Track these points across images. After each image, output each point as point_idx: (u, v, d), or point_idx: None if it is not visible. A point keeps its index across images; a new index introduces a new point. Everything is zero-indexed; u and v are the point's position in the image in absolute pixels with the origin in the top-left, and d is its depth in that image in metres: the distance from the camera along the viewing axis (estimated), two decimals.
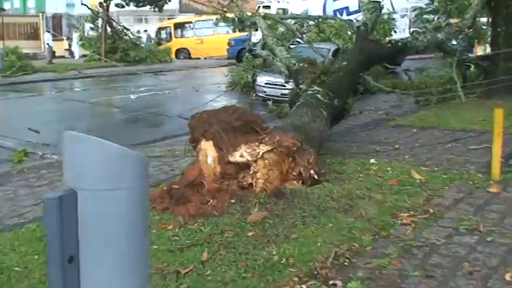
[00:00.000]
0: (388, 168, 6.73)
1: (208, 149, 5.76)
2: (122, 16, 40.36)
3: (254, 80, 16.54)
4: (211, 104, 14.15)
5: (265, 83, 15.50)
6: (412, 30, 22.04)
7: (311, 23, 18.34)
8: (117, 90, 18.93)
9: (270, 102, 13.31)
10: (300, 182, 5.90)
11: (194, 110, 13.39)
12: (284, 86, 14.53)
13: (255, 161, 5.73)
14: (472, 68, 14.69)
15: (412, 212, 5.20)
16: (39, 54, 32.89)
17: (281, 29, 17.51)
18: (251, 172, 5.73)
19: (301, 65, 9.81)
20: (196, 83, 20.06)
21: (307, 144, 6.34)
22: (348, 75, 9.00)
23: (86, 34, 32.57)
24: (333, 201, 5.35)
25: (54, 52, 31.03)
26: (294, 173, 5.86)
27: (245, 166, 5.75)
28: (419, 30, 12.23)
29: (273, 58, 12.44)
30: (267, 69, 15.98)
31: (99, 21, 30.00)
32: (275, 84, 15.06)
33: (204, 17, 34.39)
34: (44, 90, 19.11)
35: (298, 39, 16.91)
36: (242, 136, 5.91)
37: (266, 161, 5.78)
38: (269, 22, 14.97)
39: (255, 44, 17.78)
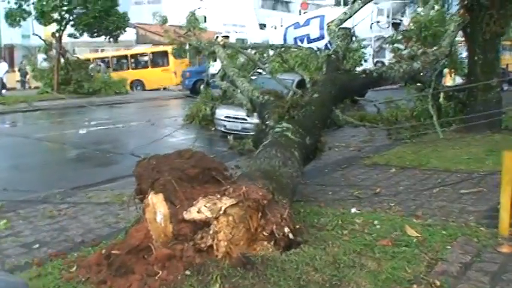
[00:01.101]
0: (376, 222, 5.65)
1: (157, 204, 4.57)
2: (77, 47, 39.09)
3: (213, 113, 15.43)
4: (167, 140, 13.02)
5: (225, 117, 14.42)
6: (375, 60, 21.41)
7: (272, 52, 17.46)
8: (67, 124, 17.56)
9: (230, 138, 12.19)
10: (272, 243, 4.75)
11: (149, 146, 12.31)
12: (245, 119, 13.52)
13: (216, 218, 4.57)
14: (442, 99, 13.92)
15: (415, 287, 4.10)
16: None
17: (241, 59, 16.57)
18: (211, 232, 4.56)
19: (266, 97, 8.76)
20: (152, 116, 18.83)
21: (279, 194, 5.22)
22: (320, 108, 7.97)
23: (38, 65, 31.09)
24: (316, 273, 4.20)
25: (4, 84, 29.35)
26: (265, 233, 4.70)
27: (204, 224, 4.58)
28: (393, 60, 11.37)
29: (234, 90, 11.41)
30: (227, 101, 14.93)
31: (53, 52, 28.55)
32: (236, 118, 14.00)
33: (161, 47, 33.36)
34: None
35: (259, 70, 15.97)
36: (200, 187, 4.76)
37: (230, 218, 4.62)
38: (228, 52, 14.00)
39: (213, 75, 16.78)
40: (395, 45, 13.86)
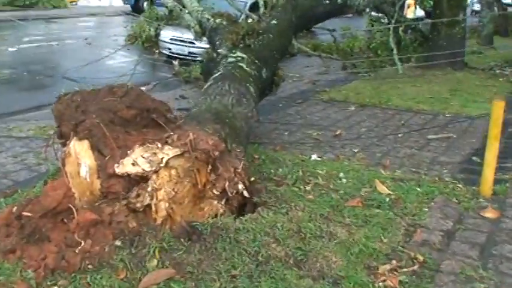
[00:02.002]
0: (341, 174, 4.91)
1: (81, 154, 3.65)
2: None
3: (157, 35, 14.22)
4: (105, 62, 11.84)
5: (171, 39, 13.30)
6: None
7: None
8: None
9: (175, 62, 11.16)
10: (223, 201, 3.95)
11: (84, 69, 11.14)
12: (193, 43, 12.45)
13: (156, 172, 3.71)
14: (401, 32, 13.17)
15: (395, 263, 3.40)
16: None
17: None
18: (149, 189, 3.71)
19: (218, 21, 7.72)
20: (90, 34, 17.33)
21: (232, 141, 4.37)
22: (279, 37, 7.04)
23: None
24: (278, 245, 3.43)
25: None
26: (215, 191, 3.88)
27: (140, 180, 3.72)
28: None
29: (181, 10, 10.25)
30: (173, 22, 13.73)
31: None
32: (182, 41, 12.92)
33: None
34: None
35: None
36: (136, 133, 3.84)
37: (173, 172, 3.77)
38: None
39: None
40: None
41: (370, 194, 4.47)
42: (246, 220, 3.67)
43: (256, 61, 6.32)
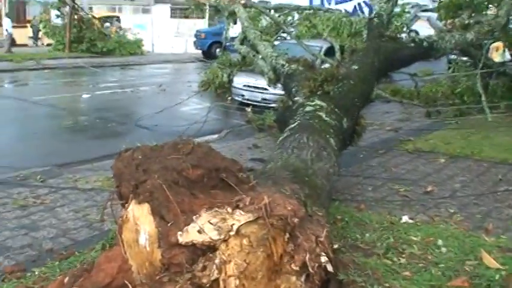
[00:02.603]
0: (439, 242, 4.21)
1: (141, 219, 3.17)
2: (93, 5, 37.46)
3: (230, 81, 13.96)
4: (179, 109, 11.62)
5: (244, 85, 12.97)
6: (408, 30, 19.66)
7: (298, 15, 15.79)
8: (71, 86, 16.13)
9: (248, 109, 10.75)
10: (303, 278, 3.34)
11: (157, 116, 10.93)
12: (266, 89, 12.06)
13: (225, 241, 3.18)
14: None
15: None
16: (0, 41, 29.66)
17: (264, 21, 15.03)
18: (217, 260, 3.16)
19: (293, 67, 7.26)
20: (164, 81, 17.37)
21: (313, 203, 3.80)
22: (360, 83, 6.45)
23: (51, 22, 29.61)
24: None
25: (14, 40, 27.97)
26: (294, 265, 3.29)
27: (207, 249, 3.19)
28: (444, 29, 9.74)
29: (254, 56, 9.91)
30: (247, 68, 13.45)
31: (66, 9, 27.09)
32: (255, 87, 12.57)
33: None
34: None
35: (283, 34, 14.42)
36: (203, 195, 3.33)
37: (245, 241, 3.22)
38: (250, 13, 12.44)
39: (232, 39, 15.25)
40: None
41: (476, 269, 3.75)
42: None
43: (336, 110, 5.76)
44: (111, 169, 3.63)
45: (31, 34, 33.33)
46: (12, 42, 27.14)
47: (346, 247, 3.98)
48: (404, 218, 4.90)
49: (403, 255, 3.93)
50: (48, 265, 3.91)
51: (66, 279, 3.30)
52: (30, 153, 8.09)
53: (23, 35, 31.88)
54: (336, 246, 3.73)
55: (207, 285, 3.15)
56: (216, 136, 9.44)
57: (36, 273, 3.77)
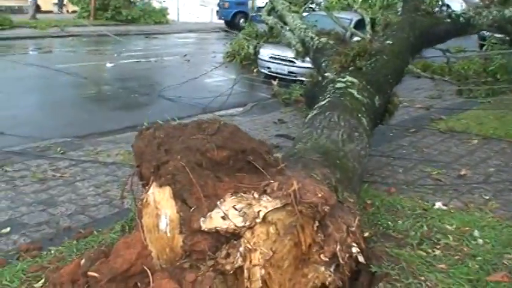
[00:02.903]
0: (475, 232, 3.96)
1: (162, 203, 2.98)
2: None
3: (256, 52, 13.66)
4: (202, 80, 11.40)
5: (270, 57, 12.66)
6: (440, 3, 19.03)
7: None
8: (95, 55, 15.95)
9: (275, 82, 10.48)
10: (333, 268, 3.14)
11: (181, 87, 10.73)
12: (293, 62, 11.77)
13: (251, 228, 2.98)
14: None
15: None
16: (25, 8, 29.53)
17: None
18: (242, 248, 2.97)
19: (323, 40, 6.96)
20: (189, 51, 17.12)
21: (344, 188, 3.57)
22: (394, 59, 6.13)
23: None
24: None
25: (39, 6, 27.85)
26: (323, 256, 3.08)
27: (231, 236, 3.00)
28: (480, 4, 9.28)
29: (282, 27, 9.61)
30: (273, 40, 13.14)
31: None
32: (282, 60, 12.26)
33: None
34: (9, 50, 16.10)
35: (312, 5, 14.02)
36: (228, 179, 3.12)
37: (271, 228, 3.03)
38: None
39: (259, 9, 14.90)
40: None
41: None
42: None
43: (369, 87, 5.48)
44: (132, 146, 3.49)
45: (56, 1, 33.22)
46: (37, 9, 27.02)
47: (378, 236, 3.76)
48: (438, 205, 4.64)
49: (438, 246, 3.70)
50: (65, 244, 3.76)
51: (82, 262, 3.13)
52: (50, 123, 7.96)
53: (47, 1, 31.73)
54: (366, 234, 3.52)
55: (231, 272, 2.98)
56: (240, 109, 9.21)
57: (52, 252, 3.63)
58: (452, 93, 10.83)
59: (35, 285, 3.12)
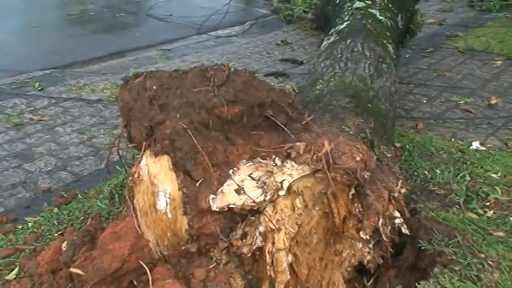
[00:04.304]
0: None
1: (159, 177, 2.33)
2: None
3: None
4: None
5: None
6: None
7: None
8: None
9: None
10: (372, 245, 2.55)
11: (172, 3, 9.83)
12: None
13: (273, 202, 2.37)
14: None
15: None
16: None
17: None
18: (261, 227, 2.38)
19: None
20: None
21: (379, 139, 2.94)
22: None
23: None
24: None
25: None
26: (363, 233, 2.48)
27: (248, 212, 2.39)
28: None
29: None
30: None
31: None
32: None
33: None
34: None
35: None
36: (242, 140, 2.47)
37: (298, 200, 2.44)
38: None
39: None
40: None
41: None
42: None
43: (390, 5, 4.72)
44: (128, 64, 2.79)
45: None
46: None
47: (417, 192, 3.16)
48: (474, 145, 4.03)
49: (488, 204, 3.10)
50: (44, 213, 3.14)
51: (63, 246, 2.54)
52: (27, 52, 7.12)
53: None
54: (403, 190, 2.90)
55: (248, 255, 2.39)
56: (238, 28, 8.37)
57: (30, 225, 3.01)
58: (463, 6, 9.97)
59: (7, 277, 2.52)
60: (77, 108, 4.94)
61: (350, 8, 4.60)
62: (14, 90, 5.35)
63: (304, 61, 6.31)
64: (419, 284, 2.33)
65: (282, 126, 2.49)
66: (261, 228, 2.38)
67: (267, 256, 2.38)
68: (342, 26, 4.30)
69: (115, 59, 6.95)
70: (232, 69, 2.41)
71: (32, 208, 3.25)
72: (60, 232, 2.87)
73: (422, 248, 2.60)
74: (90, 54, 7.07)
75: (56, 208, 3.18)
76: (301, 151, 2.42)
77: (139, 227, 2.26)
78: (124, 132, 2.62)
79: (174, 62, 6.41)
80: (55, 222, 2.99)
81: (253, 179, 2.38)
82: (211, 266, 2.30)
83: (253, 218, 2.39)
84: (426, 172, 3.44)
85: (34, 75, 5.76)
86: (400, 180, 2.67)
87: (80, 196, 3.29)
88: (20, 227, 3.01)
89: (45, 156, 3.95)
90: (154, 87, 2.45)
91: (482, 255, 2.53)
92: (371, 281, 2.57)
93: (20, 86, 5.46)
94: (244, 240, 2.39)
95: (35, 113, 4.77)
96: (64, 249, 2.50)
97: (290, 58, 6.41)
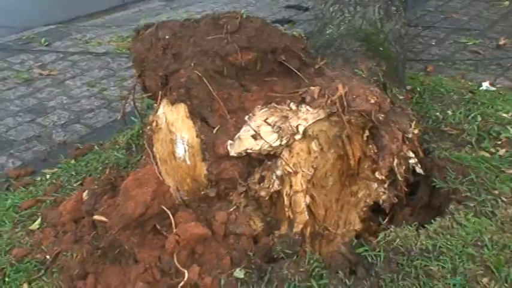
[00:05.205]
0: None
1: (176, 125, 2.37)
2: None
3: None
4: None
5: None
6: None
7: None
8: None
9: None
10: (386, 185, 2.60)
11: None
12: None
13: (289, 146, 2.42)
14: None
15: None
16: None
17: None
18: (278, 171, 2.43)
19: None
20: None
21: (392, 82, 2.95)
22: None
23: None
24: (491, 280, 2.09)
25: None
26: (378, 174, 2.53)
27: (265, 157, 2.44)
28: None
29: None
30: None
31: None
32: None
33: None
34: None
35: None
36: (257, 86, 2.49)
37: (313, 144, 2.48)
38: None
39: None
40: None
41: None
42: (435, 231, 2.31)
43: None
44: (134, 16, 2.78)
45: None
46: None
47: (429, 133, 3.19)
48: (485, 85, 4.04)
49: (500, 143, 3.13)
50: (61, 165, 3.20)
51: (84, 195, 2.60)
52: (31, 8, 7.05)
53: None
54: (416, 131, 2.93)
55: (266, 198, 2.45)
56: None
57: (48, 177, 3.07)
58: None
59: (31, 227, 2.59)
60: (85, 62, 4.94)
61: None
62: (21, 46, 5.34)
63: (310, 7, 6.25)
64: (435, 220, 2.37)
65: (296, 71, 2.50)
66: (278, 172, 2.43)
67: (285, 198, 2.44)
68: None
69: (118, 11, 6.89)
70: (244, 16, 2.41)
71: (49, 161, 3.30)
72: (79, 182, 2.92)
73: (437, 186, 2.65)
74: (93, 8, 6.99)
75: (72, 160, 3.23)
76: (316, 95, 2.44)
77: (160, 173, 2.31)
78: (138, 83, 2.63)
79: (178, 13, 6.36)
80: (73, 173, 3.04)
81: (268, 124, 2.41)
82: (232, 209, 2.36)
83: (270, 162, 2.44)
84: (438, 113, 3.46)
85: (39, 31, 5.75)
86: (414, 122, 2.69)
87: (96, 147, 3.33)
88: (39, 179, 3.07)
89: (57, 110, 3.99)
90: (167, 37, 2.46)
91: (496, 192, 2.58)
92: (386, 220, 2.62)
93: (26, 41, 5.45)
94: (262, 184, 2.44)
95: (43, 68, 4.79)
96: (85, 198, 2.56)
97: (295, 5, 6.34)
